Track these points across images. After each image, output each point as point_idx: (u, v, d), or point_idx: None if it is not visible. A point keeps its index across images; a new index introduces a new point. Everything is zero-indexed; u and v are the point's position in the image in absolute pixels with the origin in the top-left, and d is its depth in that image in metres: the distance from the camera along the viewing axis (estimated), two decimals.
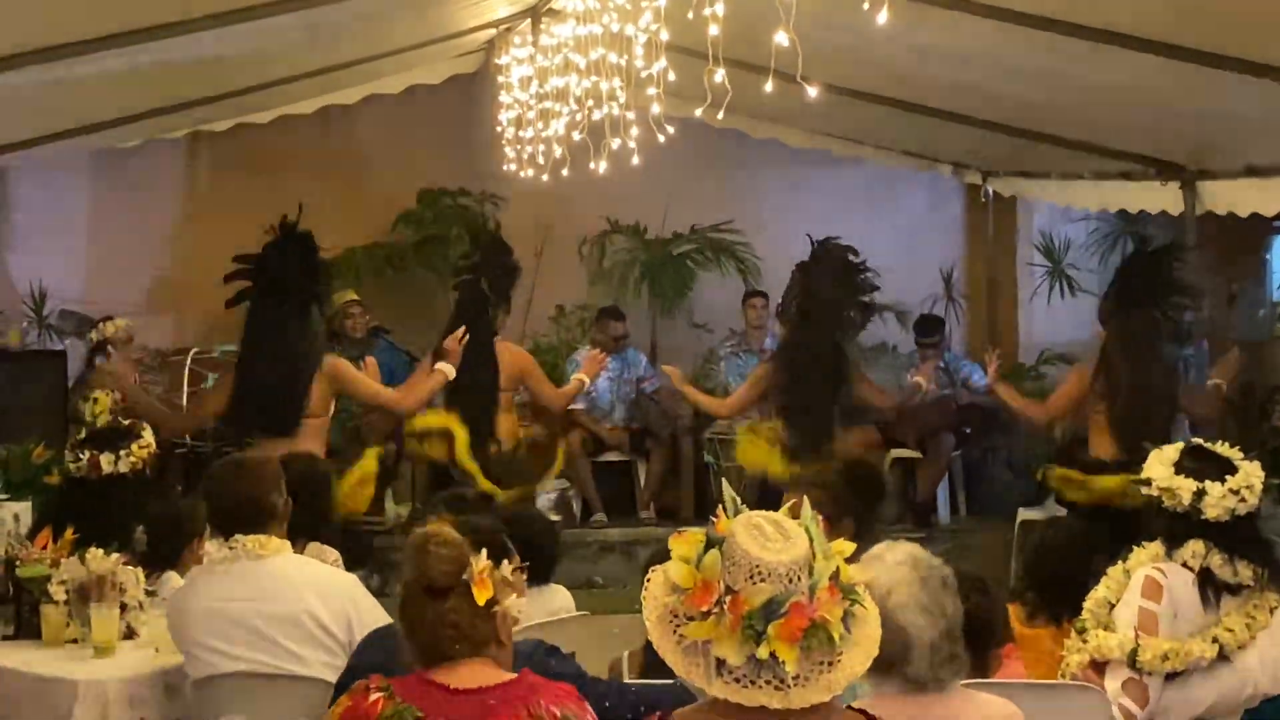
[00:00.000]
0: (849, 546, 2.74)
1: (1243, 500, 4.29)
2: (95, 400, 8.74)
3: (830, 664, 2.62)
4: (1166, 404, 7.53)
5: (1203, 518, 4.29)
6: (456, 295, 8.67)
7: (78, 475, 5.66)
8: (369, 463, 7.43)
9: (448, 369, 7.73)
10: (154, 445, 5.71)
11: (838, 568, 2.66)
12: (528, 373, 8.72)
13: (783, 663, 2.57)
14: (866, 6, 3.56)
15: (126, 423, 5.90)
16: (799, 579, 2.60)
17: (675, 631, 2.66)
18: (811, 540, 2.66)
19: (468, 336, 7.98)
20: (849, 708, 2.76)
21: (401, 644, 3.19)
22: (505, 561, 3.23)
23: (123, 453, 5.62)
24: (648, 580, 2.72)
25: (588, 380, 9.05)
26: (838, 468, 6.33)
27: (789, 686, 2.58)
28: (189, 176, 11.21)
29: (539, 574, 4.98)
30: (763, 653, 2.58)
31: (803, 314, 8.73)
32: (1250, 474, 4.33)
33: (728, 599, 2.59)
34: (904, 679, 3.19)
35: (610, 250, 11.55)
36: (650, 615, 2.71)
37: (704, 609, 2.61)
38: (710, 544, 2.66)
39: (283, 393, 7.12)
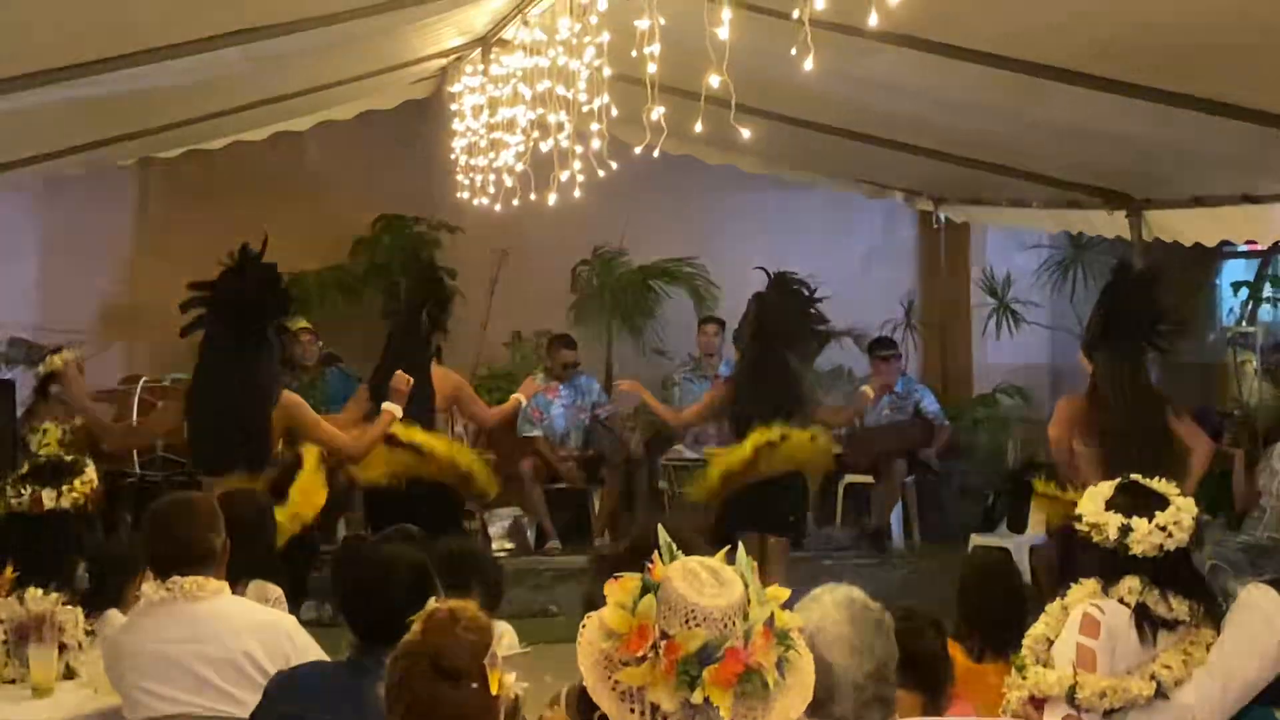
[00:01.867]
0: (783, 592, 2.75)
1: (1170, 536, 4.30)
2: (44, 431, 8.72)
3: (764, 710, 2.62)
4: (1159, 441, 7.19)
5: (1130, 554, 4.31)
6: (390, 324, 8.72)
7: (18, 510, 5.56)
8: (310, 462, 7.22)
9: (394, 409, 7.62)
10: (96, 481, 5.61)
11: (772, 613, 2.67)
12: (459, 393, 8.82)
13: (717, 708, 2.57)
14: (794, 52, 3.57)
15: (70, 458, 5.80)
16: (734, 624, 2.60)
17: (610, 677, 2.65)
18: (747, 585, 2.66)
19: (407, 368, 7.97)
20: None
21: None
22: (502, 636, 3.08)
23: (65, 488, 5.46)
24: (583, 626, 2.70)
25: (524, 399, 9.11)
26: None
27: None
28: (139, 203, 11.18)
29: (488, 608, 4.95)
30: (697, 698, 2.58)
31: (756, 339, 8.77)
32: (1180, 510, 4.34)
33: (663, 644, 2.59)
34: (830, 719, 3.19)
35: (566, 276, 11.58)
36: (585, 661, 2.69)
37: (639, 654, 2.61)
38: (645, 589, 2.66)
39: (246, 428, 6.98)
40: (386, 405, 7.62)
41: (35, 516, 5.44)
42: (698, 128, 4.28)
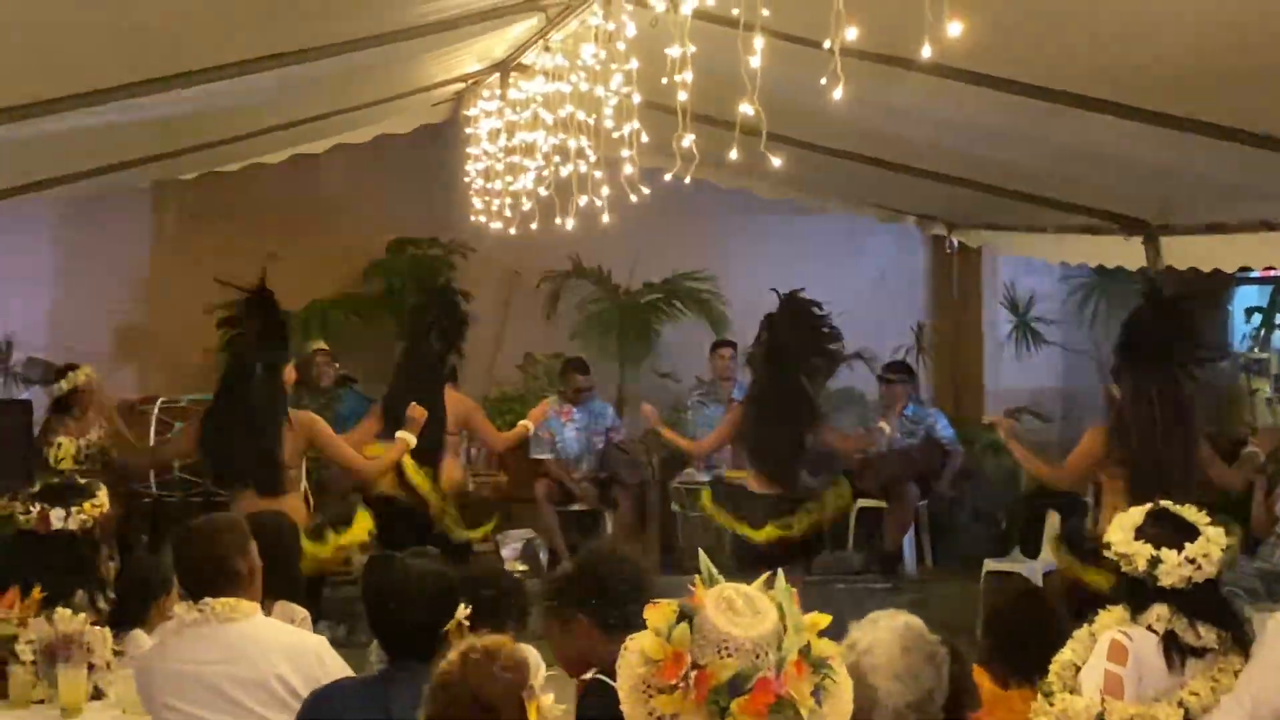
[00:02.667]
0: (823, 619, 2.76)
1: (1199, 569, 4.30)
2: (59, 445, 8.77)
3: None
4: (1184, 471, 7.09)
5: (1158, 585, 4.32)
6: (405, 345, 8.83)
7: (26, 528, 5.55)
8: (359, 533, 7.53)
9: (409, 437, 7.84)
10: (106, 505, 5.63)
11: (808, 643, 2.67)
12: (471, 417, 8.96)
13: None
14: (824, 82, 3.60)
15: (83, 481, 5.82)
16: (766, 654, 2.60)
17: (647, 702, 2.67)
18: (783, 614, 2.67)
19: (419, 391, 8.16)
20: None
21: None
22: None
23: (74, 509, 5.49)
24: (624, 649, 2.73)
25: (532, 426, 9.18)
26: None
27: None
28: (156, 225, 11.20)
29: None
30: None
31: (769, 361, 8.81)
32: (1211, 541, 4.34)
33: (694, 673, 2.60)
34: None
35: (577, 299, 11.58)
36: (624, 685, 2.71)
37: (672, 682, 2.62)
38: (683, 616, 2.67)
39: (254, 451, 7.23)
40: (401, 434, 7.80)
41: (43, 536, 5.47)
42: (733, 155, 4.29)
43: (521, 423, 9.19)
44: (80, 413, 8.99)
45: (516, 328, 11.36)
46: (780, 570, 2.80)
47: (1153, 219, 8.04)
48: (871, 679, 3.21)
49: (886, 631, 3.29)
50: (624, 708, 2.72)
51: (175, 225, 11.20)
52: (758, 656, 2.60)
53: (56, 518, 5.46)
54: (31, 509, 5.50)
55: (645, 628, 2.68)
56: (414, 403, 8.00)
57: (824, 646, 2.72)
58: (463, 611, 4.07)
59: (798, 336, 8.85)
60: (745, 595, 2.68)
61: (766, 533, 8.44)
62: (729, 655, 2.59)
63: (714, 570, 2.76)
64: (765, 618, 2.64)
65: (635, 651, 2.71)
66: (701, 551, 2.93)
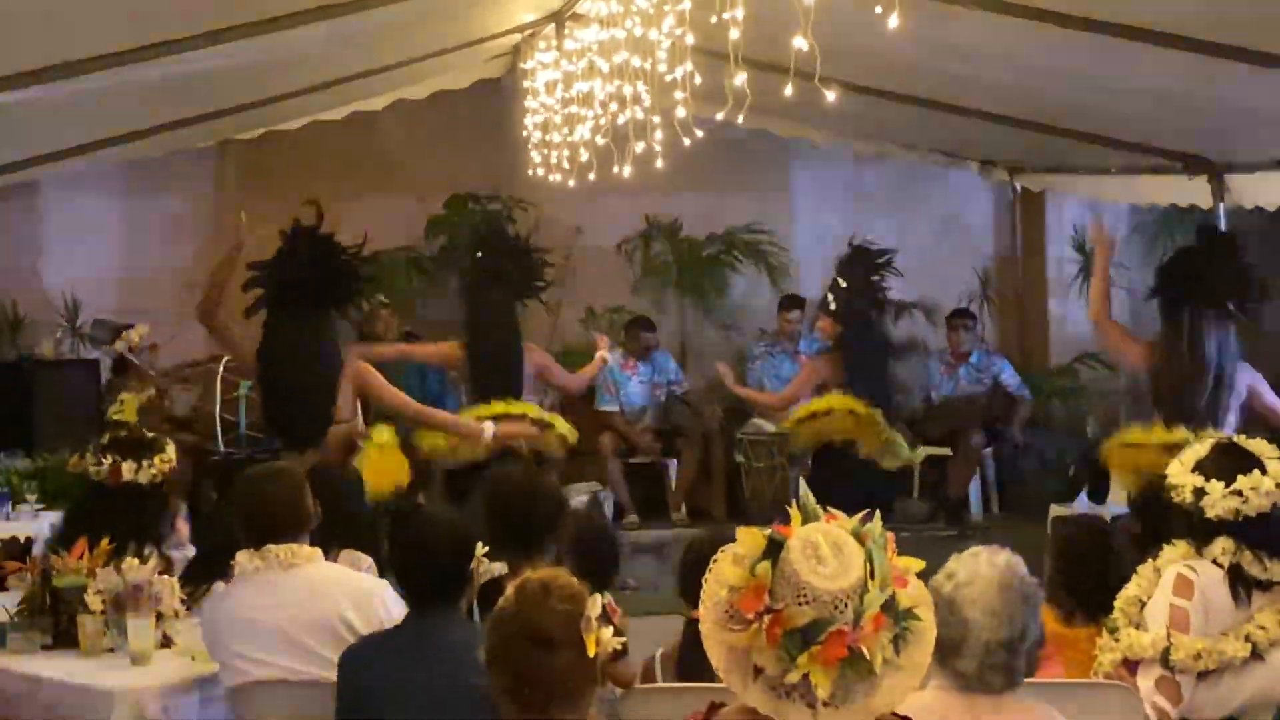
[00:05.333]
0: (917, 564, 2.70)
1: (1246, 501, 4.22)
2: (121, 402, 8.86)
3: (867, 690, 2.59)
4: (1211, 410, 7.19)
5: (1205, 517, 4.26)
6: (471, 298, 8.86)
7: (97, 479, 5.59)
8: (380, 435, 7.32)
9: (488, 430, 7.83)
10: (174, 461, 5.67)
11: (893, 595, 2.61)
12: (546, 369, 9.03)
13: (815, 686, 2.55)
14: (879, 10, 3.55)
15: (151, 435, 5.87)
16: (845, 607, 2.55)
17: (725, 625, 2.62)
18: (871, 564, 2.60)
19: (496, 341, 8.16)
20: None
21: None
22: (597, 596, 3.06)
23: (145, 463, 5.53)
24: (714, 562, 2.68)
25: (606, 357, 9.23)
26: None
27: (819, 709, 2.57)
28: (218, 184, 11.25)
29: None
30: (793, 676, 2.55)
31: (849, 311, 9.22)
32: (1269, 475, 4.25)
33: (768, 616, 2.56)
34: (952, 673, 3.21)
35: (638, 253, 11.57)
36: (705, 604, 2.68)
37: (748, 616, 2.59)
38: (771, 548, 2.61)
39: (305, 403, 7.12)
40: (486, 425, 7.97)
41: (112, 489, 5.51)
42: (787, 90, 4.25)
43: (598, 356, 9.30)
44: (141, 371, 9.07)
45: (577, 282, 11.34)
46: (878, 511, 2.71)
47: (1216, 156, 7.93)
48: (966, 611, 3.20)
49: (987, 566, 3.27)
50: (703, 627, 2.69)
51: (238, 184, 11.25)
52: (836, 609, 2.54)
53: (128, 470, 5.49)
54: (103, 461, 5.54)
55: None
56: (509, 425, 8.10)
57: (913, 594, 2.67)
58: (480, 549, 4.24)
59: (866, 280, 9.01)
60: (834, 542, 2.60)
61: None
62: (806, 604, 2.54)
63: (815, 506, 2.68)
64: (850, 568, 2.57)
65: (719, 573, 2.67)
66: (804, 482, 2.90)
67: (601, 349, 9.40)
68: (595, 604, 2.99)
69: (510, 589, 3.06)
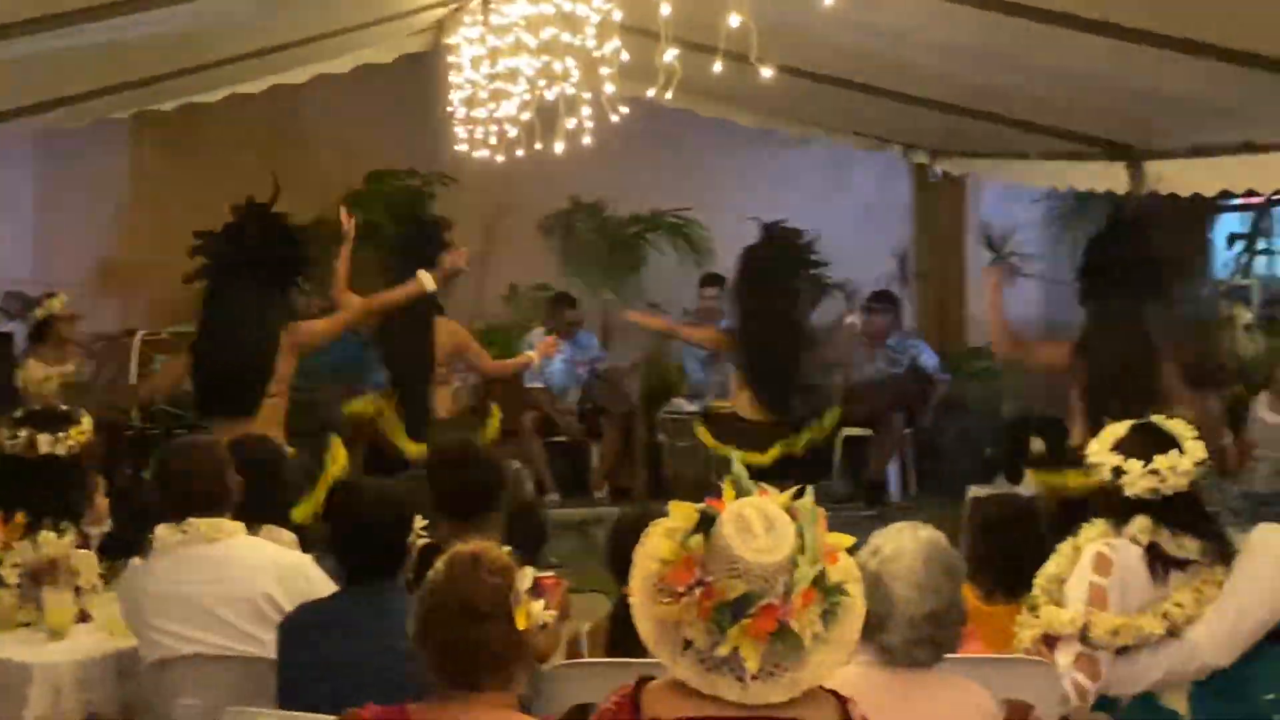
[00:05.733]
0: (847, 540, 2.73)
1: (1163, 480, 4.30)
2: (38, 375, 8.74)
3: (796, 664, 2.62)
4: (1145, 398, 6.92)
5: (1124, 495, 4.32)
6: (387, 277, 8.79)
7: (12, 453, 5.48)
8: (337, 467, 7.31)
9: (426, 279, 7.96)
10: (91, 432, 5.60)
11: (823, 570, 2.64)
12: (464, 346, 8.90)
13: (745, 659, 2.58)
14: None
15: (65, 408, 5.78)
16: (776, 581, 2.58)
17: (655, 598, 2.65)
18: (802, 540, 2.63)
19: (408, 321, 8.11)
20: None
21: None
22: (527, 569, 3.05)
23: (60, 435, 5.44)
24: (646, 535, 2.70)
25: (536, 359, 9.17)
26: None
27: (748, 682, 2.59)
28: (136, 157, 11.09)
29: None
30: (723, 649, 2.58)
31: (754, 292, 8.87)
32: (1185, 455, 4.33)
33: (699, 589, 2.58)
34: (878, 648, 3.24)
35: (563, 231, 11.56)
36: (636, 577, 2.70)
37: (679, 589, 2.61)
38: (703, 522, 2.64)
39: (243, 374, 7.08)
40: (421, 272, 8.08)
41: (28, 461, 5.42)
42: (716, 67, 4.25)
43: (526, 354, 9.24)
44: (57, 343, 8.95)
45: (500, 259, 11.30)
46: (810, 487, 2.74)
47: (1136, 142, 8.02)
48: (891, 586, 3.22)
49: (911, 540, 3.31)
50: (632, 600, 2.71)
51: (155, 157, 11.10)
52: (767, 583, 2.57)
53: (44, 442, 5.41)
54: (19, 434, 5.46)
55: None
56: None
57: (843, 570, 2.70)
58: (419, 523, 4.24)
59: (781, 265, 8.89)
60: (766, 517, 2.63)
61: (772, 454, 8.52)
62: (737, 577, 2.57)
63: (746, 480, 2.71)
64: (782, 543, 2.60)
65: (651, 547, 2.69)
66: (736, 458, 2.90)
67: (536, 356, 9.29)
68: (525, 577, 2.98)
69: (439, 561, 3.05)
